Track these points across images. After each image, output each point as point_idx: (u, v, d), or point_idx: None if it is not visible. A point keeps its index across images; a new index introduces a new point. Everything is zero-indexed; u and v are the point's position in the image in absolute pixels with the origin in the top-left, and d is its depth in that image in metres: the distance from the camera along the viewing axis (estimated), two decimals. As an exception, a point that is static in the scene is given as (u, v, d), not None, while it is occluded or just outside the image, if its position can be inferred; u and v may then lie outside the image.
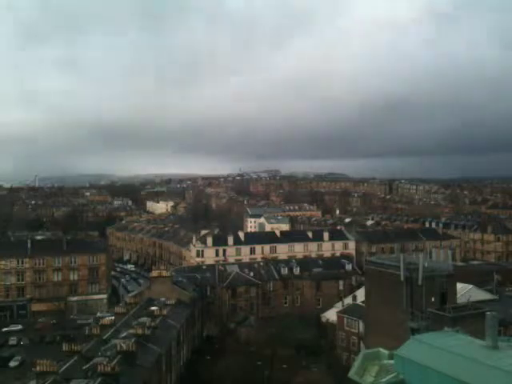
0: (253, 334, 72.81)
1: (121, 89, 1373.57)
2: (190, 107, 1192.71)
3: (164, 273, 73.15)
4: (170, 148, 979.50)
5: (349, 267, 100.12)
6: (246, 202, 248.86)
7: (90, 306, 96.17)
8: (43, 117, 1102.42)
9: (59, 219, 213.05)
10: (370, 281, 56.15)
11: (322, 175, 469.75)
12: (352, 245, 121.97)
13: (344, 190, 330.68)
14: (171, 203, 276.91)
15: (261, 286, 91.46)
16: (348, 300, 76.54)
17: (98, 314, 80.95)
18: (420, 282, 47.22)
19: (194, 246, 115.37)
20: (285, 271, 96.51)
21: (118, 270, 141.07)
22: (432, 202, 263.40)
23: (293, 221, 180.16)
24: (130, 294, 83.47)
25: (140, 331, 48.80)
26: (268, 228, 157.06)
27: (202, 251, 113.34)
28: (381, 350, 29.42)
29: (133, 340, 45.77)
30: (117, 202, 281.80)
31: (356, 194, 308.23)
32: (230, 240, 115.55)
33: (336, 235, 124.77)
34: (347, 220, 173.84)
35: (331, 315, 76.38)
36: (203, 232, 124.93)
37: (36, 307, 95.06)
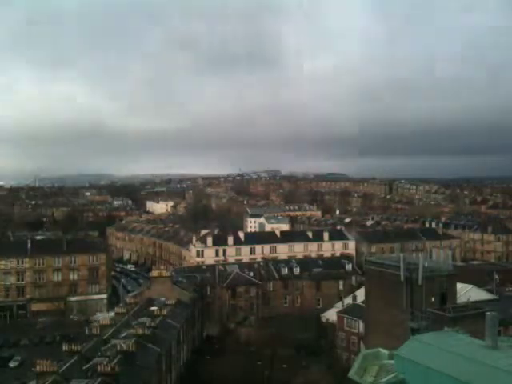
0: (253, 334, 72.79)
1: (118, 88, 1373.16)
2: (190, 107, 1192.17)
3: (164, 273, 73.10)
4: (170, 148, 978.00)
5: (349, 267, 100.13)
6: (245, 202, 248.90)
7: (90, 306, 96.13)
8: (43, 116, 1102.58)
9: (59, 219, 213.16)
10: (369, 281, 56.13)
11: (322, 175, 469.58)
12: (352, 245, 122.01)
13: (344, 189, 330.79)
14: (171, 203, 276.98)
15: (261, 286, 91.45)
16: (348, 300, 76.48)
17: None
18: (420, 282, 47.20)
19: (194, 246, 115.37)
20: (285, 271, 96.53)
21: (118, 270, 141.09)
22: (432, 202, 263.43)
23: (293, 221, 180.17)
24: (130, 294, 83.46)
25: (140, 331, 48.77)
26: (268, 228, 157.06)
27: (202, 251, 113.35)
28: (381, 350, 29.45)
29: (133, 340, 45.74)
30: (117, 202, 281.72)
31: (356, 194, 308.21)
32: (230, 240, 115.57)
33: (336, 235, 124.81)
34: (347, 220, 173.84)
35: (331, 315, 76.36)
36: (203, 232, 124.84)
37: (36, 307, 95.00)
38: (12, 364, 68.84)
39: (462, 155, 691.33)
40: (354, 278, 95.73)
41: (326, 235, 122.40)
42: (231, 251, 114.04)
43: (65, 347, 43.83)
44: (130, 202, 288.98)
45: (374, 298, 53.58)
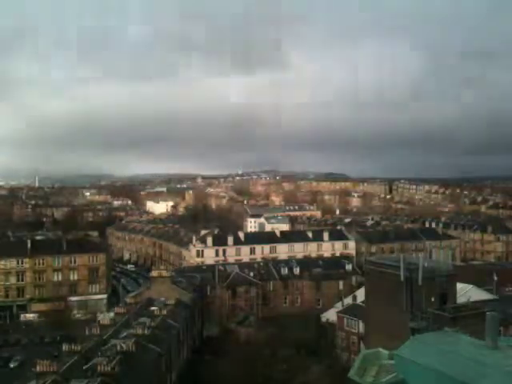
0: (253, 334, 72.76)
1: (116, 89, 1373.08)
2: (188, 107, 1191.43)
3: (164, 273, 73.07)
4: (170, 148, 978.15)
5: (349, 267, 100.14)
6: (245, 202, 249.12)
7: (90, 306, 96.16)
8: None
9: (59, 219, 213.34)
10: (369, 281, 56.07)
11: (321, 175, 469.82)
12: (352, 245, 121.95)
13: (344, 189, 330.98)
14: (171, 203, 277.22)
15: (261, 286, 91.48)
16: (348, 300, 76.45)
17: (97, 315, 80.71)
18: (420, 282, 47.15)
19: (194, 246, 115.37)
20: (285, 271, 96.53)
21: (118, 270, 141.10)
22: (432, 202, 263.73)
23: (293, 221, 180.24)
24: (130, 294, 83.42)
25: (140, 331, 48.78)
26: (268, 228, 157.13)
27: (202, 251, 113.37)
28: (381, 350, 29.43)
29: (133, 340, 45.72)
30: (117, 202, 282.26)
31: (356, 194, 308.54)
32: (230, 240, 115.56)
33: (336, 235, 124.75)
34: (347, 220, 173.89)
35: (331, 315, 76.31)
36: (203, 232, 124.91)
37: (36, 307, 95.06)
38: (12, 364, 68.82)
39: (462, 155, 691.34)
40: (353, 278, 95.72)
41: (325, 235, 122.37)
42: (231, 251, 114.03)
43: (65, 347, 43.85)
44: (129, 202, 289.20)
45: (373, 298, 53.52)
